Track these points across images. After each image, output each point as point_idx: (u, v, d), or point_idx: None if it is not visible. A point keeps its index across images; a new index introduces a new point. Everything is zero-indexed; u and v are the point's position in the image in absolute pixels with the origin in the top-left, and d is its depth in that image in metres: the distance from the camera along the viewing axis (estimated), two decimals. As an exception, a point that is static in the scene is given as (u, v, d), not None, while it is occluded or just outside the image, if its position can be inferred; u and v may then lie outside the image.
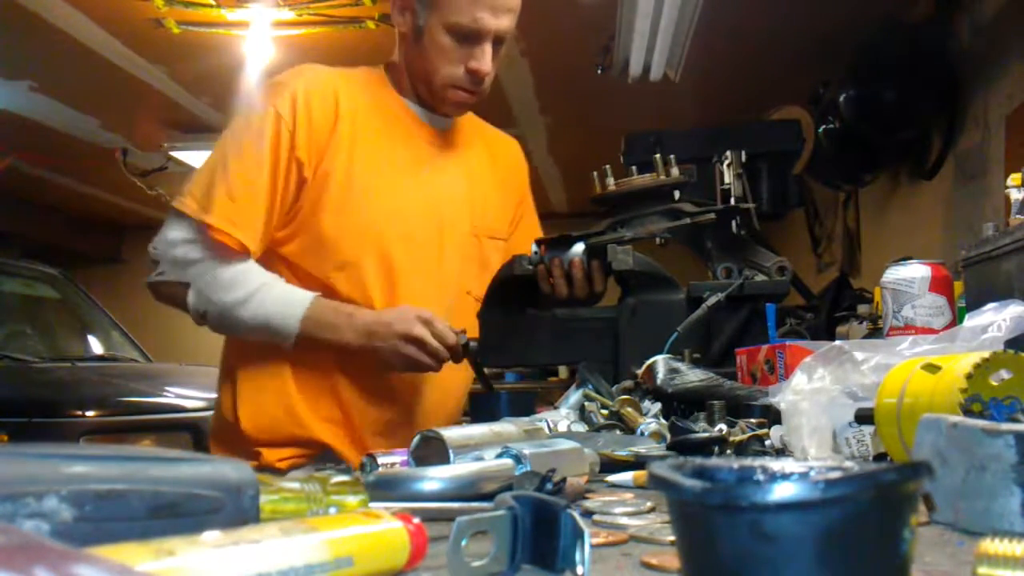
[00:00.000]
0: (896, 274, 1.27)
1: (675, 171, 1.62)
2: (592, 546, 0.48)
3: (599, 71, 3.59)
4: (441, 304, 1.54)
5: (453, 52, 1.48)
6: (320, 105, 1.48)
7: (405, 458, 0.89)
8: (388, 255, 1.52)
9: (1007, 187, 1.28)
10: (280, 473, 1.49)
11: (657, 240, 1.61)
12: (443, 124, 1.62)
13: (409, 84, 1.58)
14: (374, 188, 1.51)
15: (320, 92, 1.50)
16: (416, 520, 0.50)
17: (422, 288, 1.53)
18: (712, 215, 1.57)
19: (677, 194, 1.62)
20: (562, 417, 1.19)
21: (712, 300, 1.49)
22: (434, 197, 1.57)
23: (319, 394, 1.53)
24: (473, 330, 1.53)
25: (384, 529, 0.48)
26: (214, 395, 1.66)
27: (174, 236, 1.47)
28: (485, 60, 1.49)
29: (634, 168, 1.68)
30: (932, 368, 0.75)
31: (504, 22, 1.49)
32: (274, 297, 1.45)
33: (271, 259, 1.52)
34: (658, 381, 1.23)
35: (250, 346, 1.54)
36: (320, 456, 1.49)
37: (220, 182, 1.45)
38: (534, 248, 1.57)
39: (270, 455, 1.51)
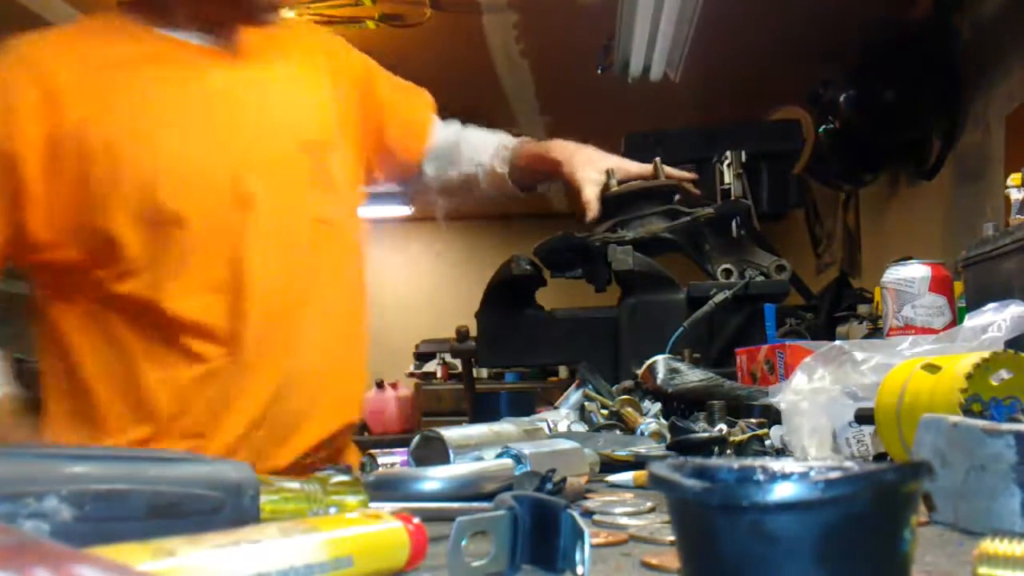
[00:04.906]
0: (896, 274, 1.27)
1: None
2: (592, 546, 0.48)
3: (599, 71, 3.60)
4: (296, 241, 1.25)
5: None
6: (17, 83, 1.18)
7: (405, 458, 0.89)
8: (209, 206, 1.19)
9: (1007, 187, 1.28)
10: None
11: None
12: (226, 42, 1.28)
13: (183, 8, 1.25)
14: (147, 143, 1.17)
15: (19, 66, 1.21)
16: (416, 520, 0.50)
17: (265, 227, 1.22)
18: (710, 209, 1.58)
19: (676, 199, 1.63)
20: (562, 417, 1.19)
21: (720, 297, 1.49)
22: (235, 123, 1.25)
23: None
24: (338, 259, 1.31)
25: (384, 529, 0.48)
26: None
27: None
28: None
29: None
30: (932, 368, 0.75)
31: None
32: None
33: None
34: (658, 381, 1.23)
35: None
36: None
37: None
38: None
39: None
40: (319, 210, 1.30)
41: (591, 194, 1.52)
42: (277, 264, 1.24)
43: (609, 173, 1.56)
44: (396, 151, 1.51)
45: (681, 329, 1.45)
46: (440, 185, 1.59)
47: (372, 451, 0.95)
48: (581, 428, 1.16)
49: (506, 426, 0.90)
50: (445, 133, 1.57)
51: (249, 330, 1.20)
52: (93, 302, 1.22)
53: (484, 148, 1.58)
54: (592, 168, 1.55)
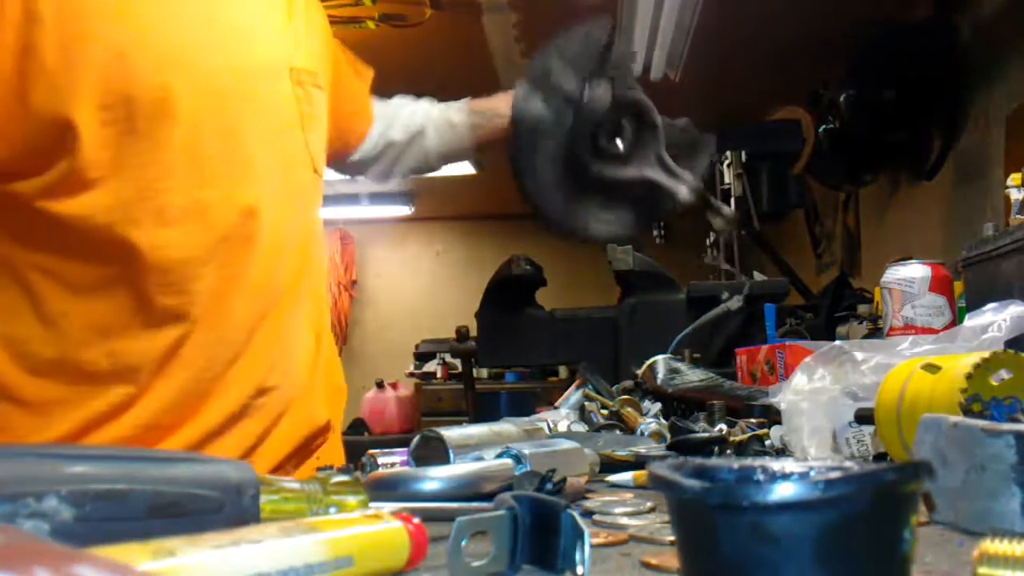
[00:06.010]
0: (896, 274, 1.27)
1: None
2: (592, 546, 0.48)
3: (599, 71, 3.59)
4: (297, 188, 0.99)
5: None
6: None
7: (405, 458, 0.89)
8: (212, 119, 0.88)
9: (1007, 187, 1.28)
10: None
11: (656, 239, 1.61)
12: None
13: None
14: (122, 10, 0.83)
15: None
16: (416, 520, 0.50)
17: (266, 162, 0.94)
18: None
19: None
20: (562, 417, 1.19)
21: (733, 302, 1.50)
22: (229, 15, 0.93)
23: None
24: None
25: (384, 529, 0.48)
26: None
27: None
28: None
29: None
30: (932, 368, 0.75)
31: None
32: None
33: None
34: (658, 381, 1.23)
35: None
36: None
37: None
38: None
39: None
40: (314, 156, 1.01)
41: None
42: (284, 214, 0.94)
43: None
44: (348, 133, 1.29)
45: (689, 329, 1.46)
46: (380, 150, 1.35)
47: (372, 451, 0.95)
48: (581, 428, 1.16)
49: (506, 426, 0.90)
50: (382, 105, 1.37)
51: (247, 289, 0.91)
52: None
53: (429, 104, 1.37)
54: None
